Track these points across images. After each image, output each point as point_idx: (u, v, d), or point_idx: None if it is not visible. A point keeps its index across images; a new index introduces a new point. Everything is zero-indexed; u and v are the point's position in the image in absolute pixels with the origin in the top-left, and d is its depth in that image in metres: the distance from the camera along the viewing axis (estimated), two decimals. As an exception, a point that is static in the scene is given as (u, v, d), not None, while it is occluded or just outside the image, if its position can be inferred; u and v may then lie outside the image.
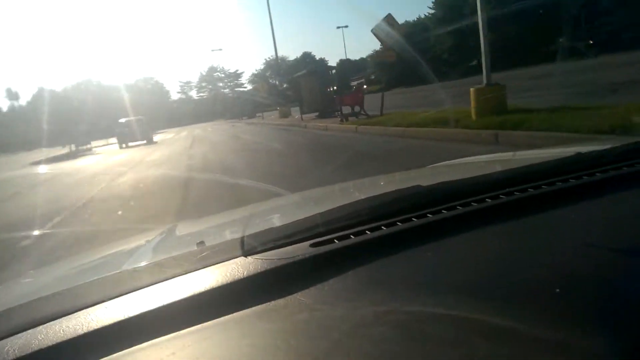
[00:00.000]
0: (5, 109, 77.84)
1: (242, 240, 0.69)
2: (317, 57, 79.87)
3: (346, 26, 72.41)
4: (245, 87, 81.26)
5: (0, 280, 1.99)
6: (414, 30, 41.31)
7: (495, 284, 0.53)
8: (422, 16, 53.21)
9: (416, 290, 0.54)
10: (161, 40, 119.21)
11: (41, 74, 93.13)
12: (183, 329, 0.49)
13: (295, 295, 0.55)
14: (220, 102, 61.30)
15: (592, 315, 0.43)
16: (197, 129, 31.81)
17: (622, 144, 1.01)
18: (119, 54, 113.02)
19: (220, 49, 49.52)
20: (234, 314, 0.52)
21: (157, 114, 62.24)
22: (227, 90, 75.56)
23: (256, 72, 79.59)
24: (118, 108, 50.66)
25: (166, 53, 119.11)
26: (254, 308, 0.53)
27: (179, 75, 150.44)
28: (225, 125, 28.37)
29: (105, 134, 40.34)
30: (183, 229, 1.29)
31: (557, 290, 0.47)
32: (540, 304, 0.46)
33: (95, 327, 0.51)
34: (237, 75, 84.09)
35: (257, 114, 40.63)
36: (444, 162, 1.74)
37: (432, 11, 49.65)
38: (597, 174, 0.85)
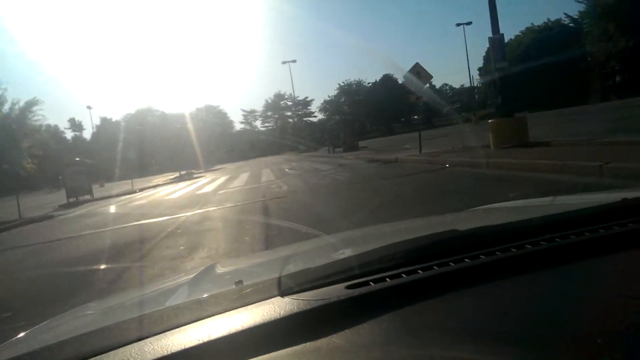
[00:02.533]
0: (70, 139, 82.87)
1: (279, 281, 0.75)
2: (400, 81, 75.85)
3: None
4: (315, 117, 79.37)
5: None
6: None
7: (533, 333, 0.55)
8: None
9: (452, 337, 0.56)
10: (224, 65, 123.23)
11: (101, 102, 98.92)
12: None
13: (330, 337, 0.58)
14: (289, 132, 58.99)
15: None
16: (265, 166, 28.19)
17: None
18: (177, 80, 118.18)
19: (294, 60, 46.38)
20: (271, 354, 0.56)
21: (218, 145, 61.55)
22: (295, 120, 73.81)
23: (328, 99, 77.40)
24: (177, 139, 50.38)
25: (229, 79, 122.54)
26: (289, 349, 0.57)
27: (242, 103, 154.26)
28: (312, 164, 21.36)
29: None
30: (222, 267, 1.35)
31: (599, 341, 0.49)
32: (578, 355, 0.48)
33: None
34: (306, 103, 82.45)
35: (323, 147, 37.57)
36: (482, 207, 1.83)
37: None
38: None
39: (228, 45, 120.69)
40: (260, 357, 0.55)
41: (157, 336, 0.64)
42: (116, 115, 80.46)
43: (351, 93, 74.51)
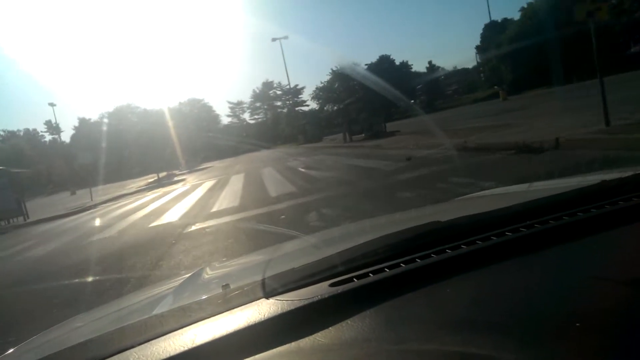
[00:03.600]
0: (47, 142, 75.84)
1: (262, 282, 0.76)
2: (398, 62, 69.65)
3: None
4: (307, 105, 72.98)
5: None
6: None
7: (515, 320, 0.55)
8: None
9: (433, 329, 0.57)
10: (206, 55, 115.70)
11: (77, 101, 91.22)
12: None
13: (314, 336, 0.59)
14: (283, 123, 52.46)
15: (613, 349, 0.46)
16: (262, 163, 21.88)
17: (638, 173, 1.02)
18: (157, 74, 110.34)
19: (286, 37, 39.79)
20: (254, 356, 0.57)
21: (204, 141, 55.40)
22: (285, 110, 67.30)
23: (321, 85, 70.99)
24: (160, 137, 44.30)
25: (213, 70, 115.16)
26: (274, 350, 0.58)
27: (229, 95, 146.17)
28: (337, 158, 15.10)
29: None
30: (210, 271, 1.36)
31: (577, 324, 0.50)
32: (560, 340, 0.49)
33: None
34: (297, 92, 75.98)
35: (328, 136, 31.55)
36: (462, 197, 1.84)
37: None
38: (620, 202, 0.87)
39: (210, 34, 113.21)
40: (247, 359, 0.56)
41: (141, 346, 0.64)
42: (95, 115, 73.07)
43: (345, 78, 68.17)
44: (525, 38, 40.43)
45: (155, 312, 0.90)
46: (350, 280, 0.73)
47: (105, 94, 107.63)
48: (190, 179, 21.99)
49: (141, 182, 31.34)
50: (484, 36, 66.43)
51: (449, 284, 0.69)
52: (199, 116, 67.54)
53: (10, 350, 1.00)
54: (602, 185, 0.98)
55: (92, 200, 20.36)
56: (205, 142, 54.23)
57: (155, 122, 48.12)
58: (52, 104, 44.48)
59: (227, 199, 9.80)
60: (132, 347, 0.64)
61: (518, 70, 44.87)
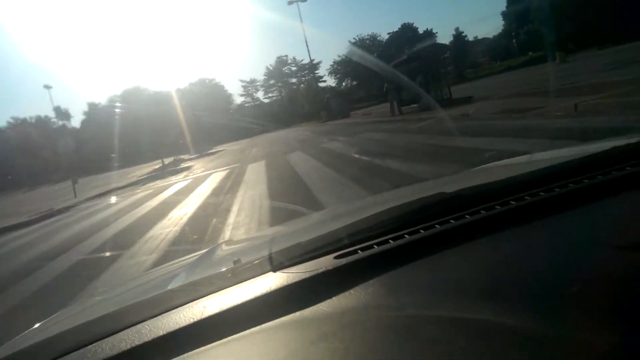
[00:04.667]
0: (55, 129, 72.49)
1: (270, 257, 0.78)
2: (421, 30, 63.65)
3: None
4: (324, 81, 67.73)
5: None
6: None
7: (517, 287, 0.55)
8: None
9: (436, 295, 0.58)
10: (215, 32, 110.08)
11: (87, 86, 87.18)
12: (215, 341, 0.57)
13: (319, 305, 0.61)
14: (303, 99, 47.31)
15: (610, 314, 0.46)
16: (288, 146, 17.15)
17: None
18: (165, 54, 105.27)
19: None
20: (261, 325, 0.59)
21: (217, 122, 51.07)
22: (302, 86, 62.07)
23: (339, 59, 65.53)
24: (169, 119, 40.20)
25: (223, 47, 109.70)
26: (279, 320, 0.59)
27: (240, 74, 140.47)
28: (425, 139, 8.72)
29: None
30: (224, 248, 1.38)
31: (574, 289, 0.51)
32: (564, 306, 0.49)
33: (137, 344, 0.61)
34: (312, 67, 70.64)
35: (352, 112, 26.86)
36: (467, 170, 1.85)
37: None
38: (627, 168, 0.86)
39: (219, 8, 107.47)
40: (253, 329, 0.58)
41: (153, 319, 0.66)
42: (104, 99, 68.85)
43: (365, 50, 62.59)
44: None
45: (169, 287, 0.92)
46: (354, 252, 0.74)
47: (114, 77, 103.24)
48: (197, 167, 17.62)
49: (145, 169, 27.18)
50: (511, 0, 60.24)
51: (452, 253, 0.69)
52: (210, 96, 63.03)
53: (36, 325, 1.00)
54: (611, 152, 0.94)
55: (75, 196, 16.17)
56: (217, 123, 49.82)
57: (164, 104, 43.91)
58: (47, 86, 40.37)
59: (247, 217, 5.27)
60: (144, 320, 0.66)
61: (564, 30, 39.35)
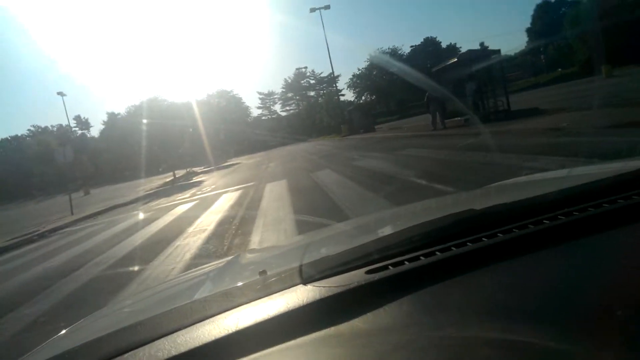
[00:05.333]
0: (77, 139, 71.92)
1: (300, 269, 0.76)
2: (444, 44, 61.56)
3: None
4: (342, 94, 65.85)
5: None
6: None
7: (552, 309, 0.54)
8: None
9: (471, 316, 0.56)
10: (234, 44, 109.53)
11: (108, 96, 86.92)
12: (248, 355, 0.56)
13: (352, 321, 0.59)
14: (323, 112, 45.24)
15: None
16: (311, 164, 15.05)
17: None
18: (184, 65, 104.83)
19: (327, 6, 32.02)
20: (295, 340, 0.57)
21: (233, 134, 49.47)
22: (321, 99, 60.17)
23: (359, 72, 63.73)
24: (187, 130, 38.71)
25: (242, 59, 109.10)
26: (313, 334, 0.58)
27: (258, 86, 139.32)
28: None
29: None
30: (246, 258, 1.37)
31: (619, 313, 0.49)
32: (599, 328, 0.48)
33: (173, 354, 0.59)
34: (331, 80, 69.05)
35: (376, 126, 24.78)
36: (497, 183, 1.73)
37: None
38: None
39: (237, 20, 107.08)
40: (286, 344, 0.56)
41: (188, 328, 0.65)
42: (123, 109, 68.22)
43: (384, 65, 60.68)
44: (601, 16, 33.27)
45: (197, 296, 0.91)
46: (385, 267, 0.73)
47: (131, 87, 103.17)
48: (208, 183, 15.62)
49: (157, 181, 25.36)
50: (536, 17, 57.86)
51: (486, 272, 0.67)
52: (227, 108, 61.67)
53: (63, 332, 0.98)
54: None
55: (72, 213, 14.26)
56: (234, 135, 48.25)
57: (181, 116, 42.52)
58: (61, 94, 39.14)
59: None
60: (179, 329, 0.65)
61: (597, 48, 36.96)
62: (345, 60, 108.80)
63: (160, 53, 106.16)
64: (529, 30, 58.86)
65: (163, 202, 12.27)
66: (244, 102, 68.96)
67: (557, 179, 1.45)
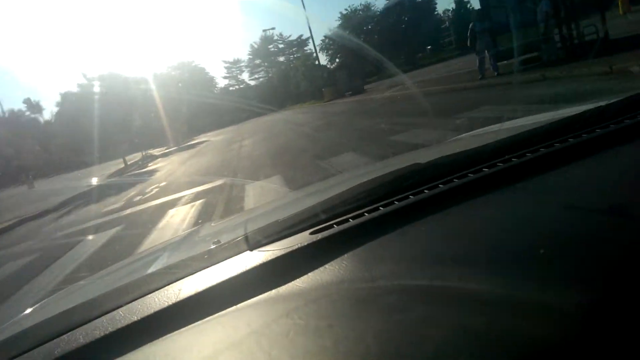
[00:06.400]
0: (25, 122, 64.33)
1: (246, 237, 0.76)
2: (420, -3, 56.45)
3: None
4: (314, 59, 60.37)
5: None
6: None
7: (487, 253, 0.55)
8: None
9: (407, 266, 0.58)
10: (191, 11, 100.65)
11: (53, 71, 78.18)
12: (189, 324, 0.55)
13: (295, 282, 0.60)
14: (300, 77, 39.78)
15: (572, 274, 0.46)
16: (309, 140, 10.33)
17: (623, 98, 0.97)
18: (141, 36, 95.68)
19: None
20: (238, 305, 0.58)
21: (200, 108, 43.98)
22: (295, 62, 54.44)
23: (330, 32, 58.13)
24: (145, 107, 33.34)
25: (201, 26, 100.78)
26: (255, 298, 0.58)
27: (223, 54, 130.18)
28: None
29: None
30: (204, 230, 1.37)
31: (541, 251, 0.50)
32: (522, 268, 0.49)
33: (110, 331, 0.60)
34: (301, 43, 63.25)
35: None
36: (447, 140, 1.77)
37: None
38: (597, 130, 0.86)
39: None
40: (226, 310, 0.56)
41: (128, 305, 0.65)
42: (75, 86, 60.40)
43: (358, 22, 55.32)
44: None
45: (150, 270, 0.91)
46: (330, 227, 0.72)
47: (85, 62, 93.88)
48: (160, 176, 10.95)
49: (107, 169, 20.29)
50: None
51: (424, 223, 0.68)
52: (190, 80, 55.58)
53: (20, 316, 0.98)
54: (582, 115, 0.94)
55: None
56: (199, 109, 42.75)
57: (139, 91, 36.69)
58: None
59: None
60: (119, 307, 0.65)
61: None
62: (314, 21, 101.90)
63: (114, 24, 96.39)
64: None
65: (67, 224, 7.60)
66: (208, 73, 62.77)
67: (498, 131, 1.44)
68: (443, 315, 0.43)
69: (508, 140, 0.95)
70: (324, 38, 56.72)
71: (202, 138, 27.19)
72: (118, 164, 20.81)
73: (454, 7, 53.84)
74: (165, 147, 27.79)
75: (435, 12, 56.29)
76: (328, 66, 43.01)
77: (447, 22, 56.72)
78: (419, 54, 52.35)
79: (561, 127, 0.93)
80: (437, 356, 0.37)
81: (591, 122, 0.89)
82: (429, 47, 54.13)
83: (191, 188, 6.91)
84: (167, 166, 13.61)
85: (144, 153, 22.17)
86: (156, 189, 8.27)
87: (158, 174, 11.64)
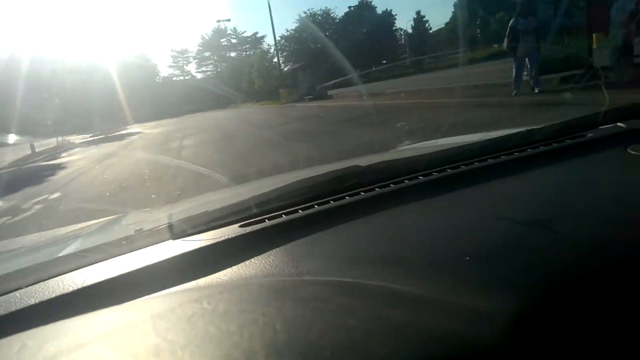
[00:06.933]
0: None
1: (170, 225, 0.73)
2: (380, 10, 55.60)
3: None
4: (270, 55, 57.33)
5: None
6: None
7: (417, 257, 0.55)
8: None
9: (335, 263, 0.57)
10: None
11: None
12: (93, 310, 0.50)
13: (216, 274, 0.57)
14: (254, 74, 36.29)
15: (495, 280, 0.47)
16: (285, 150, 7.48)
17: (554, 123, 1.04)
18: (76, 15, 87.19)
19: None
20: (151, 294, 0.54)
21: (138, 96, 39.41)
22: (251, 58, 51.01)
23: (287, 34, 55.51)
24: (71, 88, 28.81)
25: (149, 9, 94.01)
26: (171, 289, 0.55)
27: (171, 42, 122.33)
28: None
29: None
30: (130, 218, 1.28)
31: (467, 258, 0.51)
32: (447, 272, 0.50)
33: (2, 313, 0.56)
34: (256, 41, 60.03)
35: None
36: (396, 149, 1.79)
37: None
38: (528, 149, 0.92)
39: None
40: (135, 300, 0.53)
41: (30, 287, 0.61)
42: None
43: (316, 26, 53.32)
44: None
45: (64, 253, 0.85)
46: (262, 221, 0.71)
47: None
48: (69, 170, 7.82)
49: (6, 155, 16.18)
50: None
51: (358, 224, 0.68)
52: (128, 65, 50.39)
53: None
54: (515, 135, 1.00)
55: None
56: (137, 97, 38.18)
57: (70, 73, 31.90)
58: None
59: None
60: (19, 289, 0.61)
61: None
62: (276, 20, 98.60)
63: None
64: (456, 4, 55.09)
65: None
66: (151, 60, 57.41)
67: (446, 144, 1.43)
68: (363, 306, 0.42)
69: (444, 152, 0.99)
70: (279, 39, 53.73)
71: (135, 128, 23.44)
72: (26, 150, 16.76)
73: (412, 24, 53.48)
74: (90, 135, 23.71)
75: (394, 27, 55.72)
76: (282, 65, 40.32)
77: (402, 40, 56.49)
78: (373, 67, 51.36)
79: (495, 144, 0.98)
80: (348, 342, 0.35)
81: (523, 143, 0.95)
82: (383, 61, 53.36)
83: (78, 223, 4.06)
84: (79, 162, 10.39)
85: (60, 140, 18.21)
86: (39, 207, 5.30)
87: (60, 174, 8.49)
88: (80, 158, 11.46)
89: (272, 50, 40.86)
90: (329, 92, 19.29)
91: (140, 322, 0.42)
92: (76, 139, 21.73)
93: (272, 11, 23.40)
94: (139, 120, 33.49)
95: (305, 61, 45.50)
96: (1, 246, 1.22)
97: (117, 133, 22.22)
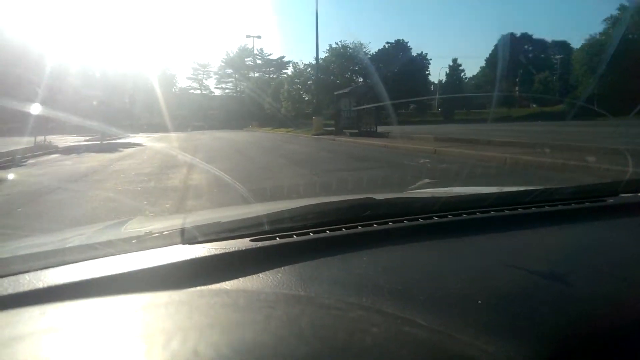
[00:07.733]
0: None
1: (182, 230, 0.74)
2: (415, 52, 53.24)
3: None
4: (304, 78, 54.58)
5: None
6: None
7: (425, 292, 0.56)
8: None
9: (341, 288, 0.57)
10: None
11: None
12: (90, 299, 0.50)
13: (221, 283, 0.59)
14: (284, 97, 32.98)
15: (507, 326, 0.47)
16: None
17: (573, 185, 1.07)
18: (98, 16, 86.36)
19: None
20: (152, 293, 0.52)
21: (151, 104, 36.46)
22: (286, 76, 48.15)
23: (314, 63, 53.00)
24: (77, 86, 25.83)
25: (174, 18, 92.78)
26: (175, 292, 0.53)
27: (193, 54, 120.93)
28: None
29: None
30: (138, 222, 1.25)
31: (479, 302, 0.52)
32: (460, 312, 0.50)
33: (10, 292, 0.56)
34: (280, 65, 57.78)
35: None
36: (409, 189, 1.90)
37: None
38: (546, 206, 0.93)
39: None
40: (145, 297, 0.51)
41: (36, 272, 0.61)
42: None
43: (346, 58, 50.82)
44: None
45: (71, 244, 0.85)
46: (273, 238, 0.71)
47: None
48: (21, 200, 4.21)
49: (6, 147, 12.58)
50: (500, 48, 52.12)
51: (368, 254, 0.68)
52: (144, 72, 47.76)
53: None
54: (532, 192, 1.00)
55: None
56: (150, 105, 35.08)
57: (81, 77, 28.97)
58: None
59: None
60: (27, 271, 0.61)
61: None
62: (296, 46, 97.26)
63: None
64: (487, 61, 52.82)
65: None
66: (169, 69, 54.89)
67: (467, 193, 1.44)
68: (381, 318, 0.43)
69: (461, 197, 1.00)
70: (305, 65, 50.77)
71: (138, 139, 20.00)
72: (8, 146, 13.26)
73: (447, 71, 50.99)
74: (86, 138, 20.39)
75: (427, 72, 53.30)
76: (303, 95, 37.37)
77: (432, 87, 53.95)
78: (401, 109, 48.57)
79: (512, 196, 1.00)
80: (317, 350, 0.34)
81: (540, 199, 0.95)
82: (412, 105, 50.64)
83: None
84: (43, 179, 6.80)
85: (40, 141, 14.65)
86: None
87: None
88: (48, 175, 7.87)
89: (309, 70, 37.48)
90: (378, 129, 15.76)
91: (138, 312, 0.42)
92: (68, 140, 18.38)
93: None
94: (146, 130, 30.30)
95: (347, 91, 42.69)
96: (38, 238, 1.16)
97: (115, 140, 18.84)
